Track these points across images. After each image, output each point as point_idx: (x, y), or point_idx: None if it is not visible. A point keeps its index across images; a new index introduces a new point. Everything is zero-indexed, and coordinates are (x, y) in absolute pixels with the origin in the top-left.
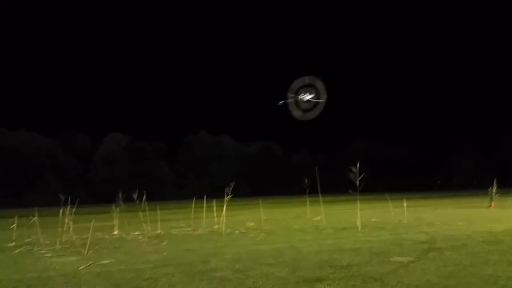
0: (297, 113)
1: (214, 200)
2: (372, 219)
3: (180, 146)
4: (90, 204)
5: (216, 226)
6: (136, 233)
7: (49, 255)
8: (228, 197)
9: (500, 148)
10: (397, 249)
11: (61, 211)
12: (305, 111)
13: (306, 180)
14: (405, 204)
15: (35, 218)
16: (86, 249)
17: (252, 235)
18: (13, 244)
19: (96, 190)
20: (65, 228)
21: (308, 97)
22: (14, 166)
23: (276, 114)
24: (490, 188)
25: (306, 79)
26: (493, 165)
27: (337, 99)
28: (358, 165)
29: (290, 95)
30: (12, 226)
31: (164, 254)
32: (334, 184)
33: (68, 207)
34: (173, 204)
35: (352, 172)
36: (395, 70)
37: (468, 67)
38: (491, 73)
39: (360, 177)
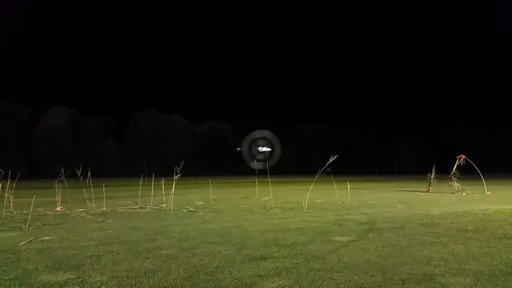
0: (252, 163)
1: (163, 179)
2: (318, 200)
3: (128, 123)
4: (32, 179)
5: (164, 205)
6: (80, 210)
7: None
8: (177, 176)
9: (440, 136)
10: (339, 229)
11: (0, 185)
12: (260, 161)
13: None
14: (348, 187)
15: None
16: (27, 225)
17: (200, 214)
18: None
19: (38, 165)
20: (5, 203)
21: (263, 149)
22: None
23: (228, 95)
24: (429, 173)
25: (260, 133)
26: (433, 152)
27: (291, 83)
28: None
29: (244, 148)
30: None
31: (109, 231)
32: (283, 166)
33: (8, 181)
34: (120, 181)
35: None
36: (345, 56)
37: (412, 56)
38: (435, 62)
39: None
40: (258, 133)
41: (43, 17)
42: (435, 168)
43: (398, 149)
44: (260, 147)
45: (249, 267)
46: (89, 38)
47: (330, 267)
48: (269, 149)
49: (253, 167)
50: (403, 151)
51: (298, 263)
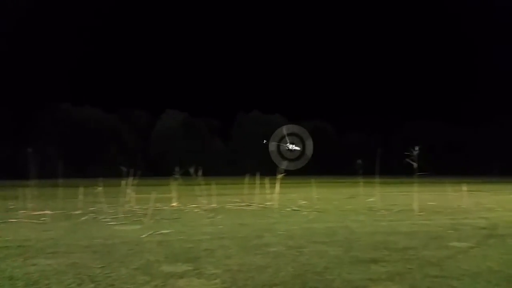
0: (279, 160)
1: (267, 178)
2: (429, 203)
3: (232, 123)
4: (149, 176)
5: (268, 203)
6: (193, 205)
7: (113, 223)
8: (280, 175)
9: None
10: (456, 234)
11: (123, 182)
12: (288, 160)
13: (359, 161)
14: (464, 189)
15: (100, 188)
16: (147, 218)
17: (304, 213)
18: (79, 212)
19: (154, 164)
20: (127, 199)
21: (292, 147)
22: (79, 140)
23: (328, 93)
24: None
25: (291, 128)
26: None
27: (392, 79)
28: (417, 148)
29: (273, 142)
30: (79, 195)
31: (220, 227)
32: (388, 166)
33: (130, 179)
34: (226, 179)
35: (411, 154)
36: (457, 50)
37: None
38: None
39: (409, 158)
40: (289, 129)
41: (153, 29)
42: None
43: None
44: (289, 145)
45: (359, 270)
46: (195, 47)
47: (448, 274)
48: (298, 148)
49: (279, 165)
50: None
51: (411, 268)
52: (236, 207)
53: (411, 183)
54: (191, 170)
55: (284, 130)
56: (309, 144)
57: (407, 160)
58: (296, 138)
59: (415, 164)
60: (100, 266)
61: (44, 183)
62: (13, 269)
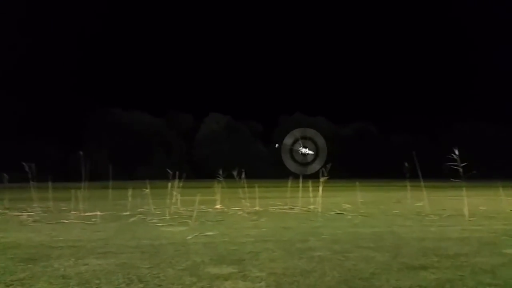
0: (291, 164)
1: (310, 181)
2: (481, 208)
3: (275, 126)
4: (193, 179)
5: (312, 206)
6: (236, 208)
7: (160, 224)
8: (324, 178)
9: None
10: (510, 241)
11: (169, 184)
12: (300, 164)
13: (406, 164)
14: None
15: (147, 190)
16: (193, 220)
17: (349, 217)
18: (128, 213)
19: (198, 167)
20: (173, 200)
21: (305, 151)
22: (127, 143)
23: (373, 94)
24: None
25: (306, 132)
26: None
27: (439, 79)
28: (456, 151)
29: (287, 144)
30: (127, 197)
31: (263, 229)
32: (436, 169)
33: (175, 181)
34: (269, 182)
35: (453, 156)
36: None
37: None
38: None
39: (463, 164)
40: (303, 132)
41: (197, 36)
42: None
43: None
44: (303, 149)
45: (408, 276)
46: (239, 50)
47: (502, 282)
48: (311, 152)
49: (290, 169)
50: None
51: (463, 275)
52: (279, 210)
53: (460, 187)
54: (234, 173)
55: (298, 133)
56: (323, 149)
57: (448, 164)
58: (310, 142)
59: (458, 168)
60: (148, 266)
61: (94, 185)
62: (66, 268)
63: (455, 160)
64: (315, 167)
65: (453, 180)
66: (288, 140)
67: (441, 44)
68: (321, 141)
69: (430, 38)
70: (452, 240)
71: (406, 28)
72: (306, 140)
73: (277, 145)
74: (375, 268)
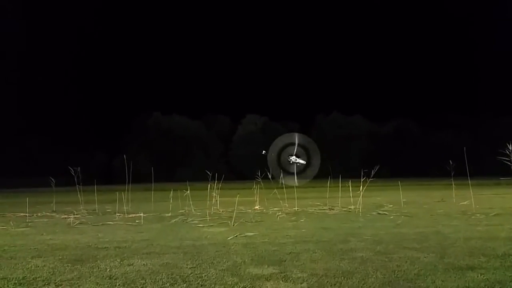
0: (277, 173)
1: (350, 181)
2: None
3: (311, 126)
4: (232, 180)
5: (352, 207)
6: (275, 209)
7: (200, 225)
8: (365, 178)
9: None
10: None
11: (209, 186)
12: (288, 173)
13: (450, 162)
14: None
15: (188, 192)
16: (232, 221)
17: (391, 217)
18: (169, 214)
19: (236, 168)
20: (213, 202)
21: (296, 159)
22: (168, 146)
23: (412, 91)
24: None
25: (295, 138)
26: None
27: (480, 75)
28: (510, 146)
29: (271, 153)
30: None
31: (303, 230)
32: (480, 166)
33: (215, 182)
34: (308, 182)
35: (507, 152)
36: None
37: None
38: None
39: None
40: (292, 138)
41: (236, 39)
42: None
43: None
44: (293, 157)
45: (454, 277)
46: (275, 51)
47: None
48: (303, 162)
49: (278, 179)
50: None
51: None
52: (318, 211)
53: (507, 185)
54: (269, 173)
55: (290, 138)
56: (316, 161)
57: (500, 158)
58: (301, 150)
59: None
60: (190, 266)
61: (137, 187)
62: (112, 268)
63: (507, 156)
64: (308, 175)
65: (502, 178)
66: (275, 147)
67: (478, 41)
68: (314, 149)
69: (469, 34)
70: (500, 240)
71: (448, 23)
72: (297, 148)
73: (264, 151)
74: (420, 269)
